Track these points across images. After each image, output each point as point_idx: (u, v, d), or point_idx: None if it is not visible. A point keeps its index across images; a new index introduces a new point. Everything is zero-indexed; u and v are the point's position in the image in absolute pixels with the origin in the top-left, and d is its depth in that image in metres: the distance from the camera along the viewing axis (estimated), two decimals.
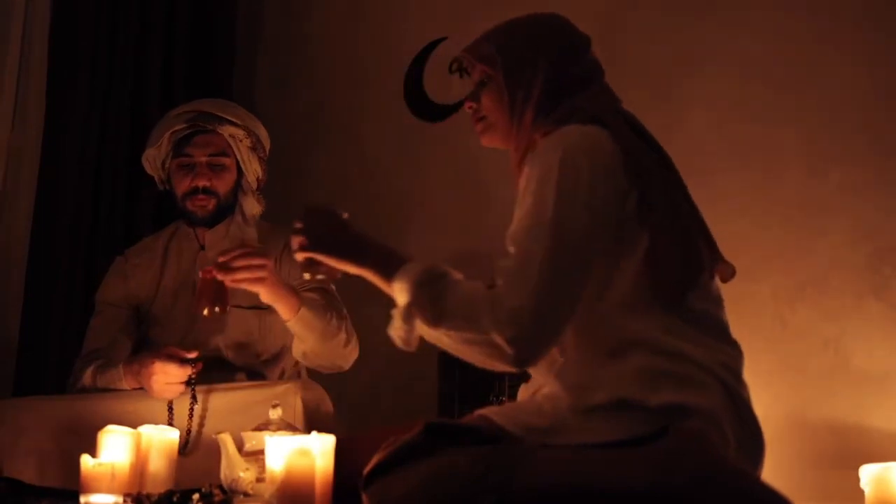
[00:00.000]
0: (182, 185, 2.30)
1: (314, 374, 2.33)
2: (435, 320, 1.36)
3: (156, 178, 2.40)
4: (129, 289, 2.35)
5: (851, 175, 2.29)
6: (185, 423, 2.04)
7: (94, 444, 1.77)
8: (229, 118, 2.32)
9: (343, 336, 2.20)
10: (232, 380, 2.21)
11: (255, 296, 2.28)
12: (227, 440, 1.77)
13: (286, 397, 1.99)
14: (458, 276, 1.40)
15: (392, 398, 2.85)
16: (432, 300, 1.36)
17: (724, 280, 1.50)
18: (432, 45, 3.04)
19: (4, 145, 2.67)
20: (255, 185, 2.39)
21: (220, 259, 1.97)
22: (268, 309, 2.29)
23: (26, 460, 1.96)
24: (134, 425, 1.84)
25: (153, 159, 2.36)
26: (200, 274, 1.99)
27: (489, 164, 2.76)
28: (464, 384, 2.59)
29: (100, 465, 1.72)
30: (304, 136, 3.19)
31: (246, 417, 1.92)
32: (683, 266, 1.40)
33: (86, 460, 1.72)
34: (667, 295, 1.38)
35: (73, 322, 2.61)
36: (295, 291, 2.12)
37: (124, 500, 1.71)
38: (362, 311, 2.93)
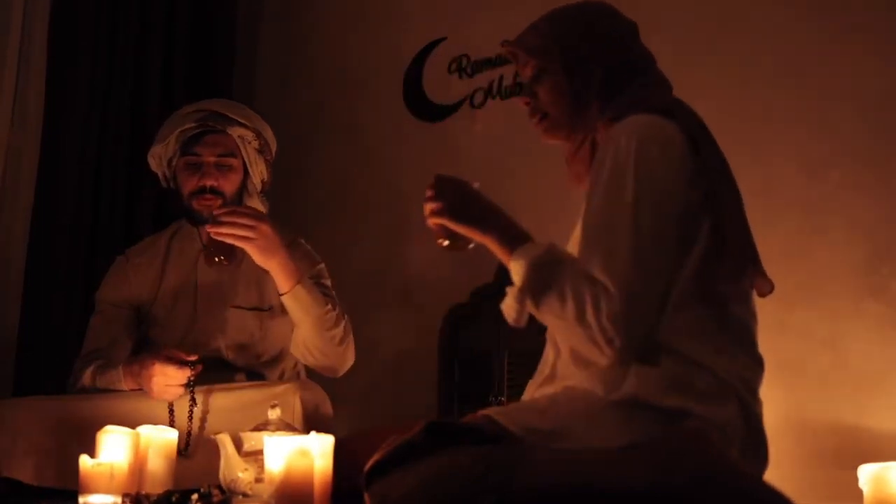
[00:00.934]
0: (189, 184, 2.30)
1: (313, 375, 2.33)
2: (543, 305, 1.37)
3: (160, 176, 2.40)
4: (129, 288, 2.35)
5: (850, 176, 2.29)
6: (185, 424, 2.04)
7: (93, 445, 1.77)
8: (239, 119, 2.32)
9: (339, 332, 2.20)
10: (231, 380, 2.21)
11: (256, 297, 2.29)
12: (225, 440, 1.77)
13: (285, 397, 1.99)
14: (572, 262, 1.39)
15: (391, 399, 2.85)
16: (543, 286, 1.37)
17: (762, 294, 1.49)
18: (431, 45, 3.05)
19: (4, 144, 2.67)
20: (259, 187, 2.39)
21: (215, 212, 2.08)
22: (268, 311, 2.30)
23: (25, 460, 1.96)
24: (133, 426, 1.84)
25: (159, 157, 2.35)
26: (208, 227, 2.11)
27: (489, 165, 2.77)
28: (463, 385, 2.59)
29: (98, 465, 1.72)
30: (304, 136, 3.20)
31: (245, 418, 1.92)
32: (745, 249, 1.42)
33: (84, 460, 1.72)
34: (730, 272, 1.38)
35: (73, 322, 2.61)
36: (297, 268, 2.14)
37: (123, 501, 1.71)
38: (362, 311, 2.95)
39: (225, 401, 2.08)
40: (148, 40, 3.01)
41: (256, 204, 2.37)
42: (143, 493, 1.75)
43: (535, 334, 1.58)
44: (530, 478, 1.22)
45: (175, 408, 2.07)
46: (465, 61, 2.97)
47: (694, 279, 1.38)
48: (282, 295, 2.15)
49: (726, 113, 2.46)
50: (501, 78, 2.87)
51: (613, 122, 1.47)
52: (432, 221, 1.53)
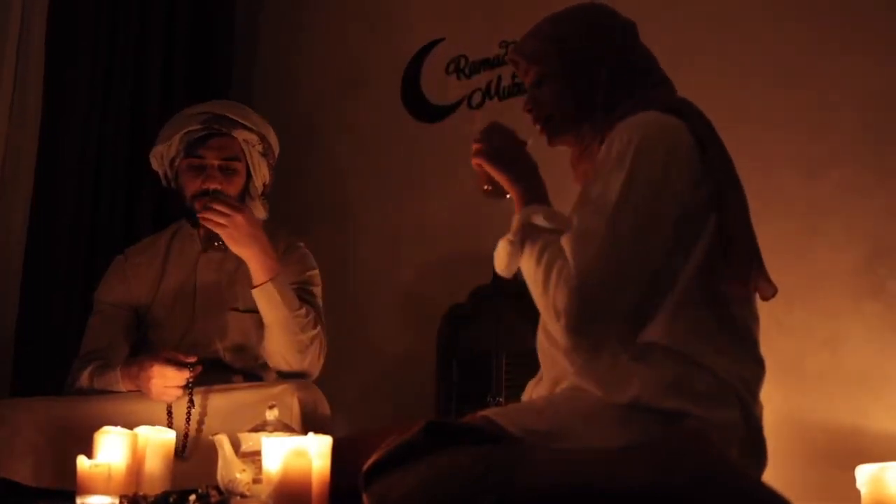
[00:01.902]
0: (192, 187, 2.30)
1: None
2: (523, 261, 1.44)
3: (161, 175, 2.40)
4: (128, 288, 2.35)
5: (848, 176, 2.29)
6: (183, 427, 2.04)
7: (91, 445, 1.77)
8: (244, 123, 2.32)
9: (304, 338, 2.19)
10: (229, 382, 2.21)
11: (254, 300, 2.29)
12: (223, 441, 1.76)
13: (283, 398, 1.99)
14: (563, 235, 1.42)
15: (390, 399, 2.85)
16: (530, 243, 1.43)
17: (765, 298, 1.48)
18: (430, 46, 3.05)
19: (2, 143, 2.67)
20: (260, 190, 2.40)
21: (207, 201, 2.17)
22: None
23: (22, 461, 1.95)
24: (131, 427, 1.84)
25: (161, 156, 2.35)
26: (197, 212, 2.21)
27: None
28: (462, 385, 2.59)
29: (96, 465, 1.72)
30: (303, 137, 3.20)
31: (243, 418, 1.92)
32: (750, 250, 1.42)
33: (82, 461, 1.72)
34: (735, 273, 1.39)
35: (72, 322, 2.60)
36: (273, 266, 2.17)
37: (120, 501, 1.71)
38: (361, 311, 2.95)
39: (223, 402, 2.08)
40: (148, 40, 3.01)
41: (257, 206, 2.37)
42: (141, 493, 1.74)
43: (533, 335, 1.58)
44: (530, 478, 1.22)
45: (173, 409, 2.07)
46: (463, 62, 2.97)
47: (697, 280, 1.38)
48: (252, 288, 2.16)
49: (725, 113, 2.46)
50: (500, 79, 2.87)
51: (620, 121, 1.47)
52: (474, 162, 1.58)
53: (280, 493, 1.50)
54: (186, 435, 2.03)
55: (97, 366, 2.19)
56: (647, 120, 1.43)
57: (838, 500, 1.93)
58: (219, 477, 1.75)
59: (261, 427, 1.78)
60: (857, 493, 1.78)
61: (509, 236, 1.47)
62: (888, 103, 2.28)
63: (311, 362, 2.23)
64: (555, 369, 1.51)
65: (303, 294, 2.28)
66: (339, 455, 1.54)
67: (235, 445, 1.78)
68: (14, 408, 2.07)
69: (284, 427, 1.80)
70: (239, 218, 2.15)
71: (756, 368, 1.43)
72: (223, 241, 2.20)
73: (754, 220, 1.48)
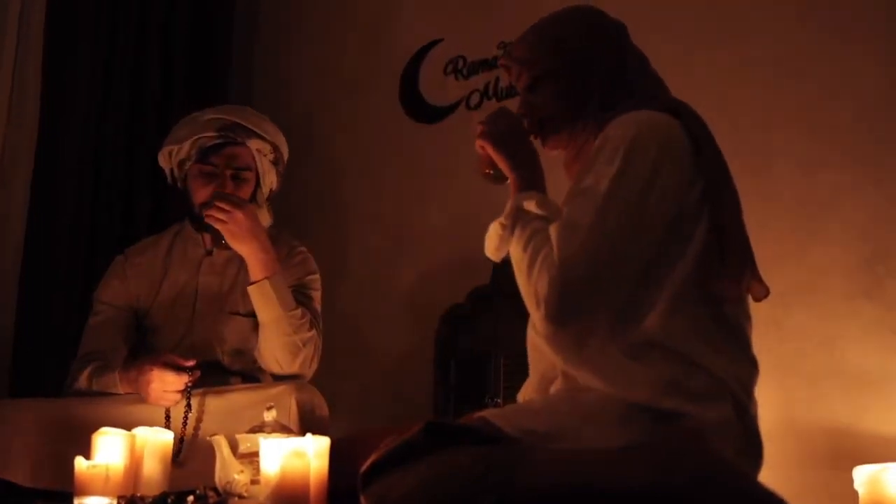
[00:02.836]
0: (202, 193, 2.29)
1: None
2: (511, 245, 1.45)
3: (167, 172, 2.39)
4: (128, 289, 2.34)
5: (845, 176, 2.30)
6: (179, 430, 2.03)
7: (89, 446, 1.77)
8: (260, 133, 2.32)
9: (296, 339, 2.19)
10: (227, 384, 2.21)
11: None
12: (221, 442, 1.76)
13: (281, 399, 1.98)
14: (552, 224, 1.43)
15: (388, 400, 2.84)
16: (520, 229, 1.44)
17: (757, 299, 1.48)
18: (428, 47, 3.05)
19: (0, 141, 2.67)
20: (267, 195, 2.40)
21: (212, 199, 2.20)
22: None
23: (20, 462, 1.96)
24: (129, 428, 1.84)
25: (169, 154, 2.34)
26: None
27: None
28: (460, 386, 2.59)
29: (94, 467, 1.72)
30: (302, 137, 3.19)
31: (241, 420, 1.92)
32: (744, 250, 1.43)
33: (80, 462, 1.72)
34: (729, 273, 1.39)
35: (72, 322, 2.59)
36: (272, 265, 2.18)
37: (118, 503, 1.71)
38: (360, 312, 2.95)
39: (221, 403, 2.08)
40: (147, 40, 3.01)
41: (263, 214, 2.37)
42: (139, 495, 1.74)
43: None
44: (530, 478, 1.22)
45: (171, 412, 2.07)
46: (461, 63, 2.97)
47: (691, 279, 1.38)
48: (248, 285, 2.17)
49: (724, 113, 2.46)
50: (497, 79, 2.87)
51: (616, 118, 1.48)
52: (478, 144, 1.59)
53: (278, 495, 1.49)
54: (182, 440, 2.03)
55: (96, 367, 2.19)
56: (641, 117, 1.43)
57: (836, 500, 1.93)
58: (217, 478, 1.75)
59: (259, 428, 1.78)
60: (855, 493, 1.79)
61: (501, 220, 1.47)
62: (887, 104, 2.28)
63: (303, 365, 2.22)
64: (542, 363, 1.51)
65: (301, 297, 2.27)
66: (337, 455, 1.54)
67: (233, 446, 1.78)
68: (13, 408, 2.07)
69: (282, 428, 1.80)
70: (239, 214, 2.16)
71: (750, 368, 1.43)
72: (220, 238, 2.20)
73: (752, 220, 1.48)
